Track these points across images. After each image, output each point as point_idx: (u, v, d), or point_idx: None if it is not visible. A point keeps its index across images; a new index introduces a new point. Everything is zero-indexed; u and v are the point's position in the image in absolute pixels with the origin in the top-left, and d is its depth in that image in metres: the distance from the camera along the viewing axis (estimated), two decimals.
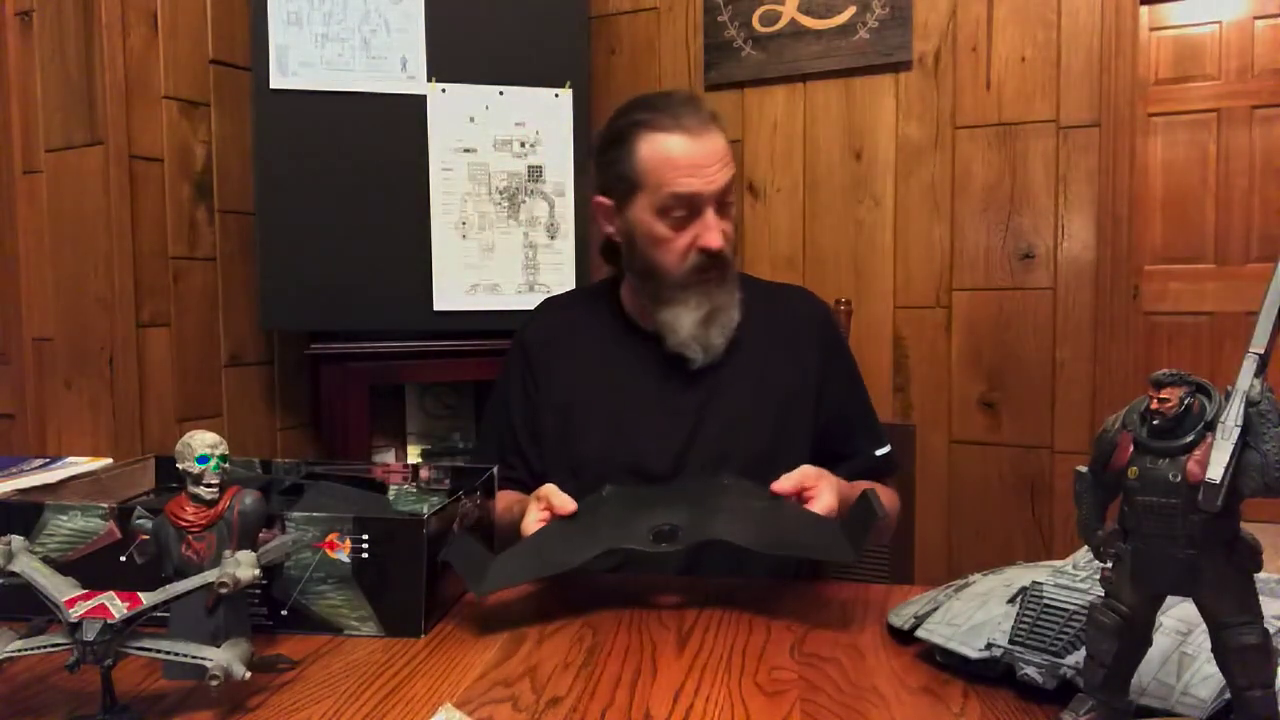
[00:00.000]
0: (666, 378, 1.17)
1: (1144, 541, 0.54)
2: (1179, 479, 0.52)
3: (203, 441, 0.73)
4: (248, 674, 0.64)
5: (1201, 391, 0.53)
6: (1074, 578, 0.71)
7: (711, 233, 1.09)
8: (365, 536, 0.81)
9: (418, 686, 0.72)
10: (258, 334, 1.94)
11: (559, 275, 1.89)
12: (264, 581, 0.74)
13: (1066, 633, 0.66)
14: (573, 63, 1.88)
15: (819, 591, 0.94)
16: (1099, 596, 0.58)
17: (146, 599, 0.64)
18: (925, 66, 1.96)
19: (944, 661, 0.73)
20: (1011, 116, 1.89)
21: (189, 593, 0.66)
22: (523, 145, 1.85)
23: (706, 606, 0.89)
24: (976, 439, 1.96)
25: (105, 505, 0.85)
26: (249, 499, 0.74)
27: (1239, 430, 0.49)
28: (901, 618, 0.79)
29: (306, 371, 2.03)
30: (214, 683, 0.62)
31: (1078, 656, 0.64)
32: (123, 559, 0.84)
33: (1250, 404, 0.50)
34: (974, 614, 0.73)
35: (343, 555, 0.81)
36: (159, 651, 0.64)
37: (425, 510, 0.97)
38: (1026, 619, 0.69)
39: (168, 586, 0.66)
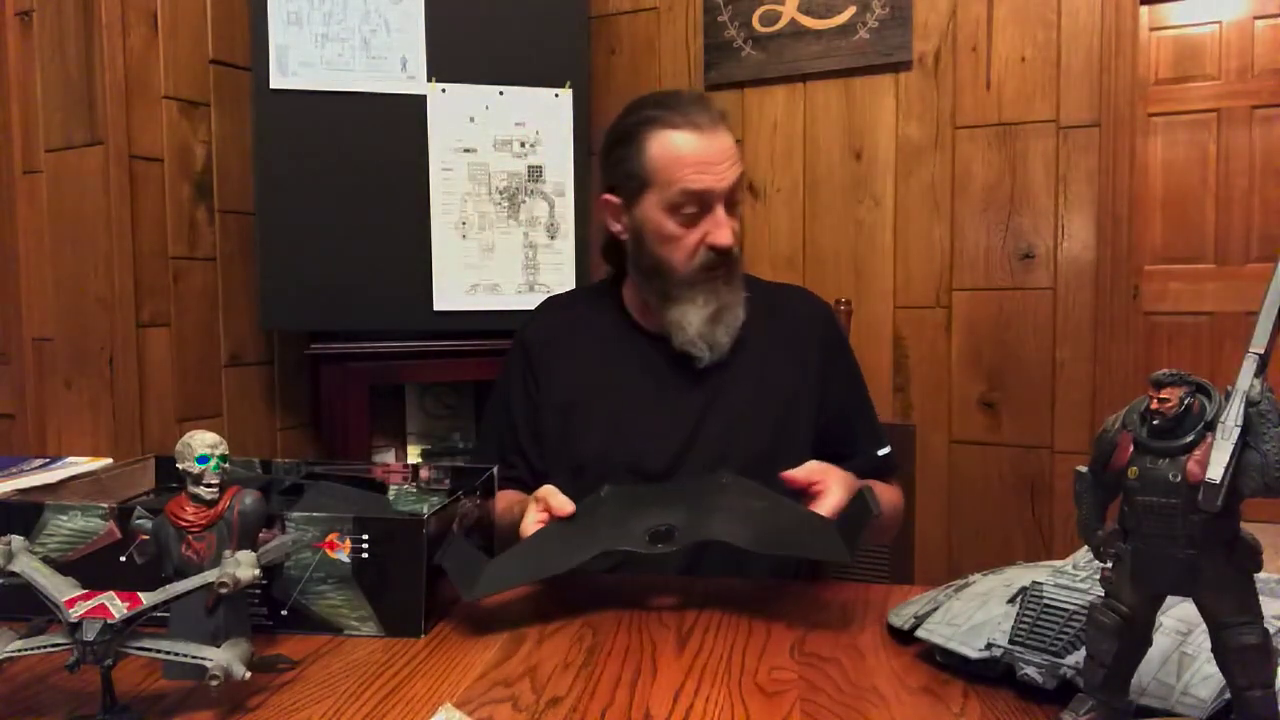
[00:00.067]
0: (668, 377, 1.17)
1: (1144, 541, 0.54)
2: (1179, 479, 0.52)
3: (203, 441, 0.73)
4: (248, 674, 0.64)
5: (1201, 391, 0.53)
6: (1074, 578, 0.71)
7: (721, 230, 1.09)
8: (365, 536, 0.81)
9: (418, 686, 0.72)
10: (258, 334, 1.94)
11: (559, 275, 1.89)
12: (264, 581, 0.74)
13: (1066, 633, 0.66)
14: (573, 63, 1.87)
15: (819, 592, 0.94)
16: (1099, 596, 0.58)
17: (146, 599, 0.64)
18: (925, 66, 1.96)
19: (944, 661, 0.73)
20: (1011, 116, 1.89)
21: (189, 593, 0.66)
22: (523, 145, 1.85)
23: (706, 607, 0.89)
24: (976, 439, 1.96)
25: (105, 505, 0.85)
26: (249, 499, 0.74)
27: (1239, 430, 0.49)
28: (901, 618, 0.79)
29: (306, 371, 2.03)
30: (214, 683, 0.62)
31: (1078, 656, 0.64)
32: (123, 559, 0.84)
33: (1250, 404, 0.50)
34: (974, 614, 0.73)
35: (343, 555, 0.81)
36: (159, 651, 0.64)
37: (425, 510, 0.97)
38: (1026, 619, 0.69)
39: (168, 586, 0.66)
